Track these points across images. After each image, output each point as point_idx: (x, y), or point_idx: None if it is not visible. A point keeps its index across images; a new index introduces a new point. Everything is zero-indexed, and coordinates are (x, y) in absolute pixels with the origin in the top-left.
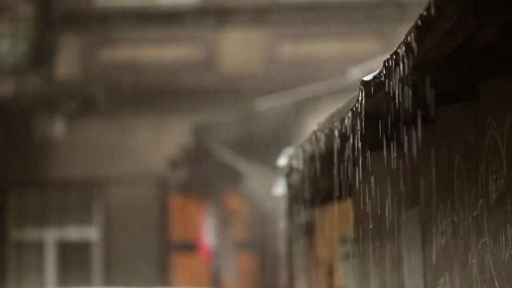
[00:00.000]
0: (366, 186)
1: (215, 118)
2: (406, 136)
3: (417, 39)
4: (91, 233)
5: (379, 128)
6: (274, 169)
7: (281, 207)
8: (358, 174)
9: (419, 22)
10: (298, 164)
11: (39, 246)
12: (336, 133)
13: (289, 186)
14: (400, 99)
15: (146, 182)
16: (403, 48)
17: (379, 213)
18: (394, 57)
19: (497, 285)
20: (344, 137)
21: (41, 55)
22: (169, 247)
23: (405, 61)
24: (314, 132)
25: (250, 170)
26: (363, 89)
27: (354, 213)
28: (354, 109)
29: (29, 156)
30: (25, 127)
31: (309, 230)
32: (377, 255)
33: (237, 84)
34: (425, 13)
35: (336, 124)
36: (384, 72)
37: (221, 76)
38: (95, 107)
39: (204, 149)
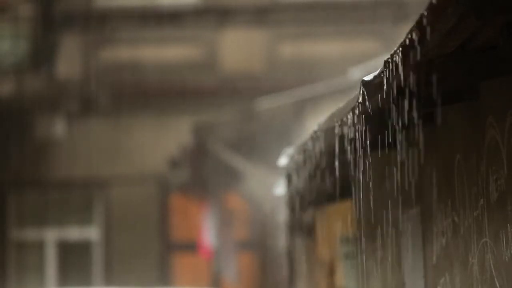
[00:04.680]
0: (367, 186)
1: (215, 118)
2: (406, 136)
3: (417, 39)
4: (92, 233)
5: (379, 128)
6: (274, 169)
7: (281, 207)
8: (359, 174)
9: (419, 22)
10: (298, 164)
11: (39, 246)
12: (336, 133)
13: (289, 186)
14: (400, 99)
15: (146, 182)
16: (403, 48)
17: (379, 213)
18: (394, 57)
19: (497, 285)
20: (344, 137)
21: (41, 55)
22: (170, 247)
23: (405, 61)
24: (314, 132)
25: (250, 170)
26: (363, 89)
27: (354, 213)
28: (354, 109)
29: (29, 156)
30: (26, 127)
31: (309, 230)
32: (377, 255)
33: (237, 84)
34: (425, 13)
35: (336, 124)
36: (384, 72)
37: (221, 76)
38: (96, 107)
39: (204, 149)
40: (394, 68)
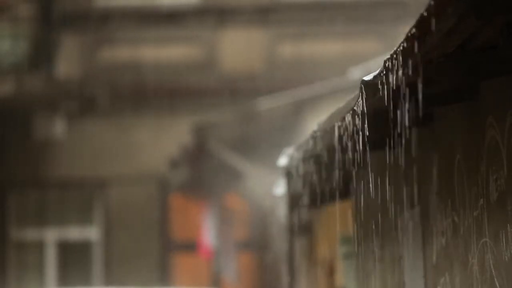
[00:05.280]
0: (366, 186)
1: (215, 118)
2: (406, 136)
3: (417, 39)
4: (91, 233)
5: (379, 128)
6: (274, 169)
7: (281, 207)
8: (358, 174)
9: (419, 22)
10: (298, 164)
11: (39, 246)
12: (336, 133)
13: (289, 186)
14: (400, 99)
15: (146, 182)
16: (403, 48)
17: (379, 213)
18: (394, 57)
19: (497, 285)
20: (344, 137)
21: (41, 55)
22: (169, 247)
23: (405, 61)
24: (314, 132)
25: (250, 170)
26: (363, 89)
27: (354, 213)
28: (354, 109)
29: (29, 156)
30: (25, 127)
31: (309, 230)
32: (377, 255)
33: (237, 84)
34: (425, 13)
35: (336, 124)
36: (384, 72)
37: (221, 76)
38: (95, 107)
39: (204, 149)
40: (394, 68)
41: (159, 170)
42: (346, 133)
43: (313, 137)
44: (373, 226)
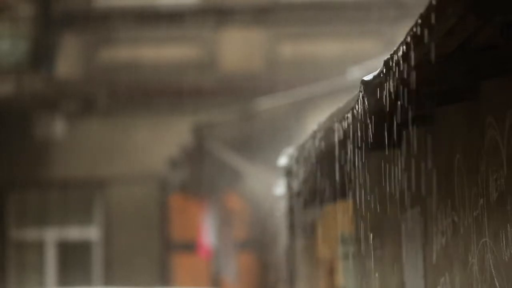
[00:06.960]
0: (366, 186)
1: (215, 118)
2: (406, 136)
3: (417, 39)
4: (91, 233)
5: (379, 128)
6: (274, 169)
7: (281, 207)
8: (358, 174)
9: (419, 22)
10: (298, 164)
11: (39, 246)
12: (336, 133)
13: (289, 186)
14: (400, 99)
15: (146, 182)
16: (403, 48)
17: (379, 213)
18: (394, 57)
19: (497, 285)
20: (344, 137)
21: (41, 55)
22: (169, 247)
23: (405, 61)
24: (314, 132)
25: (250, 170)
26: (363, 89)
27: (354, 213)
28: (354, 109)
29: (29, 156)
30: (26, 127)
31: (309, 230)
32: (377, 255)
33: (237, 84)
34: (425, 13)
35: (336, 124)
36: (384, 72)
37: (221, 76)
38: (95, 107)
39: (204, 149)
40: (394, 68)
41: (159, 170)
42: (346, 133)
43: (313, 137)
44: (373, 226)
